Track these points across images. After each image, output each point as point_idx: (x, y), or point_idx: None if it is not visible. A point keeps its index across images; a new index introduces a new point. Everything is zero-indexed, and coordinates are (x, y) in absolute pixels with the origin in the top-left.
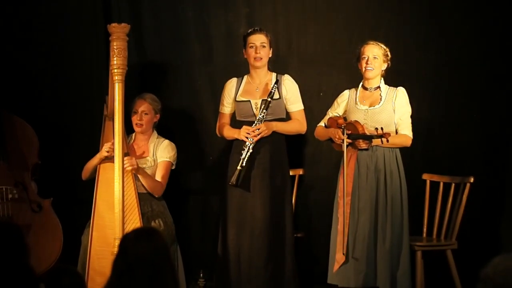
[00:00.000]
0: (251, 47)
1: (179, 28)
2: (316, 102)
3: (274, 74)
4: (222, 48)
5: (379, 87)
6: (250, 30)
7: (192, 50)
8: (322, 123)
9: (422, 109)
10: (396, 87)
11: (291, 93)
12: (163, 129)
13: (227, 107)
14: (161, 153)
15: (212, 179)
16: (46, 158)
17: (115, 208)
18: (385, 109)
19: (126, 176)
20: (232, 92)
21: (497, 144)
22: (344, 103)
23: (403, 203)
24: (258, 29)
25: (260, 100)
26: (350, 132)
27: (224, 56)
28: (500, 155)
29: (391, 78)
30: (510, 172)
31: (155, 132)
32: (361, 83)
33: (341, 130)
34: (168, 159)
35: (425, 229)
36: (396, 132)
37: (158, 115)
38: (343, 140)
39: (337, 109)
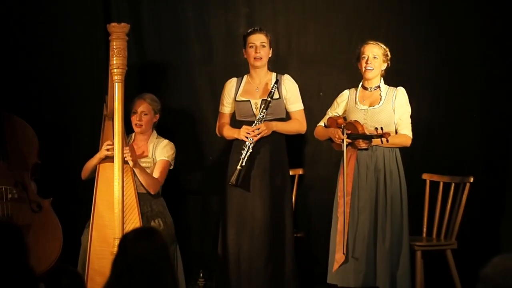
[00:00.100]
0: (251, 47)
1: (179, 28)
2: (316, 102)
3: (274, 74)
4: (222, 48)
5: (379, 87)
6: (250, 30)
7: (192, 50)
8: (321, 123)
9: (422, 109)
10: (396, 87)
11: (291, 93)
12: (163, 129)
13: (227, 107)
14: (160, 152)
15: (212, 179)
16: (46, 158)
17: (114, 208)
18: (385, 109)
19: (125, 175)
20: (232, 92)
21: (497, 144)
22: (344, 103)
23: (402, 203)
24: (258, 29)
25: (260, 100)
26: (349, 132)
27: (224, 56)
28: (500, 155)
29: (391, 78)
30: (510, 172)
31: (154, 132)
32: (361, 83)
33: (341, 129)
34: (166, 158)
35: (425, 229)
36: (396, 132)
37: (157, 115)
38: (342, 140)
39: (336, 109)
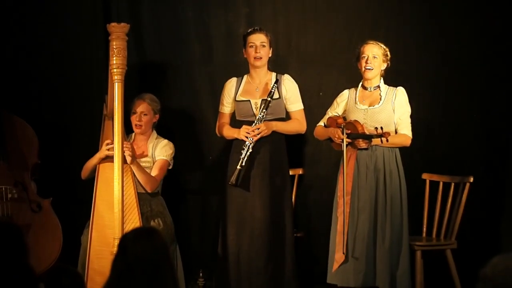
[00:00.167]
0: (251, 46)
1: (179, 28)
2: (316, 102)
3: (274, 74)
4: (222, 48)
5: (378, 86)
6: (250, 29)
7: (192, 50)
8: (321, 123)
9: (421, 108)
10: (396, 87)
11: (291, 92)
12: (162, 129)
13: (227, 107)
14: (159, 152)
15: (212, 179)
16: (45, 158)
17: (114, 207)
18: (384, 109)
19: (125, 175)
20: (232, 91)
21: (497, 144)
22: (343, 102)
23: (402, 203)
24: (258, 29)
25: (260, 99)
26: (349, 131)
27: (224, 56)
28: (499, 155)
29: (391, 78)
30: (510, 172)
31: (154, 132)
32: (360, 83)
33: (341, 129)
34: (165, 158)
35: (424, 229)
36: (396, 132)
37: (157, 115)
38: (342, 139)
39: (336, 108)
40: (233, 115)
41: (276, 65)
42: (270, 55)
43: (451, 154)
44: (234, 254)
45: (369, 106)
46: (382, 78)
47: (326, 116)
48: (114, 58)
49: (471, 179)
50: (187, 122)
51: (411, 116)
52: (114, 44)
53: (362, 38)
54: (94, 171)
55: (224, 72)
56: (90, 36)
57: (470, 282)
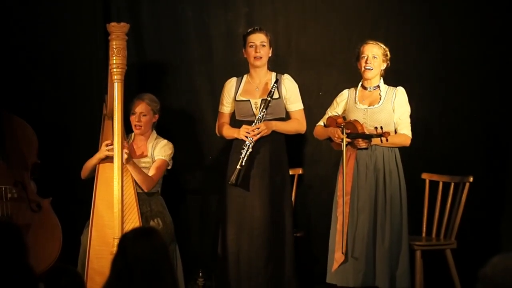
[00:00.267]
0: (251, 46)
1: (178, 28)
2: (316, 102)
3: (273, 74)
4: (221, 47)
5: (378, 86)
6: (250, 29)
7: (192, 50)
8: (321, 122)
9: (421, 108)
10: (396, 86)
11: (290, 92)
12: (162, 129)
13: (226, 107)
14: (158, 152)
15: (212, 178)
16: (45, 158)
17: (114, 207)
18: (384, 109)
19: (125, 175)
20: (231, 91)
21: (497, 144)
22: (343, 102)
23: (402, 203)
24: (258, 29)
25: (260, 99)
26: (349, 131)
27: (223, 56)
28: (499, 155)
29: (391, 77)
30: (510, 172)
31: (154, 132)
32: (360, 83)
33: (340, 129)
34: (164, 158)
35: (424, 229)
36: (395, 132)
37: (157, 115)
38: (342, 139)
39: (336, 108)
40: (233, 115)
41: (276, 65)
42: (270, 55)
43: (450, 154)
44: (233, 254)
45: (369, 106)
46: (382, 78)
47: (326, 116)
48: (114, 58)
49: (471, 179)
50: (187, 122)
51: (410, 116)
52: (114, 43)
53: (362, 38)
54: (93, 171)
55: (223, 72)
56: (90, 36)
57: (470, 282)
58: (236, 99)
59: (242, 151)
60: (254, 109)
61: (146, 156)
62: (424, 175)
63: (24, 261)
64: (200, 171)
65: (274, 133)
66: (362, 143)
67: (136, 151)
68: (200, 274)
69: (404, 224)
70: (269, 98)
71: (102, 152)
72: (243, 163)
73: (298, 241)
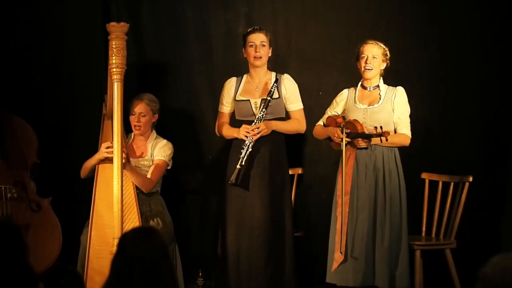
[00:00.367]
0: (251, 46)
1: (178, 28)
2: (315, 102)
3: (273, 74)
4: (221, 47)
5: (378, 86)
6: (250, 29)
7: (192, 50)
8: (320, 122)
9: (421, 108)
10: (395, 86)
11: (290, 92)
12: (162, 129)
13: (226, 107)
14: (157, 152)
15: (211, 178)
16: (45, 158)
17: (114, 207)
18: (384, 108)
19: (125, 175)
20: (231, 91)
21: (497, 144)
22: (343, 102)
23: (401, 202)
24: (258, 28)
25: (260, 99)
26: (349, 131)
27: (223, 56)
28: (499, 154)
29: (391, 77)
30: (509, 171)
31: (154, 132)
32: (360, 82)
33: (340, 129)
34: (163, 158)
35: (424, 228)
36: (395, 132)
37: (156, 116)
38: (342, 139)
39: (335, 108)
40: (232, 115)
41: (276, 65)
42: (270, 55)
43: (450, 154)
44: (233, 254)
45: (369, 106)
46: (381, 77)
47: (326, 116)
48: (114, 58)
49: (471, 179)
50: (187, 122)
51: (410, 116)
52: (114, 43)
53: (362, 38)
54: (93, 170)
55: (223, 71)
56: (90, 36)
57: (470, 282)
58: (236, 99)
59: (242, 150)
60: (254, 109)
61: (145, 156)
62: (424, 175)
63: (24, 261)
64: (200, 171)
65: (274, 133)
66: (361, 143)
67: (136, 151)
68: (200, 274)
69: (404, 224)
70: (269, 98)
71: (101, 153)
72: (243, 163)
73: (298, 241)
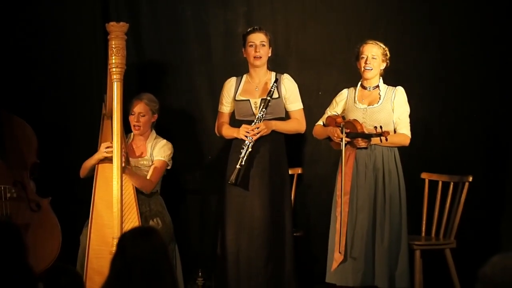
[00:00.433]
0: (251, 46)
1: (178, 27)
2: (315, 101)
3: (273, 73)
4: (221, 47)
5: (378, 86)
6: (249, 29)
7: (191, 50)
8: (320, 122)
9: (421, 108)
10: (395, 86)
11: (290, 92)
12: (161, 129)
13: (226, 106)
14: (157, 152)
15: (211, 178)
16: (45, 157)
17: (113, 207)
18: (383, 108)
19: (124, 177)
20: (231, 91)
21: (496, 144)
22: (342, 102)
23: (401, 202)
24: (258, 28)
25: (259, 99)
26: (348, 130)
27: (223, 56)
28: (499, 154)
29: (391, 77)
30: (509, 171)
31: (153, 132)
32: (359, 82)
33: (340, 128)
34: (163, 158)
35: (423, 228)
36: (395, 131)
37: (155, 115)
38: (341, 138)
39: (335, 108)
40: (232, 115)
41: (276, 65)
42: (269, 55)
43: (450, 154)
44: (233, 254)
45: (368, 106)
46: (381, 77)
47: (325, 116)
48: (113, 58)
49: (470, 179)
50: (186, 122)
51: (410, 116)
52: (113, 43)
53: (361, 37)
54: (92, 170)
55: (223, 71)
56: (90, 36)
57: (469, 282)
58: (236, 98)
59: (241, 150)
60: (253, 109)
61: (145, 156)
62: (424, 175)
63: (23, 260)
64: (200, 171)
65: (273, 132)
66: (361, 143)
67: (135, 151)
68: (200, 274)
69: (404, 224)
70: (268, 98)
71: (101, 153)
72: (243, 163)
73: (297, 241)
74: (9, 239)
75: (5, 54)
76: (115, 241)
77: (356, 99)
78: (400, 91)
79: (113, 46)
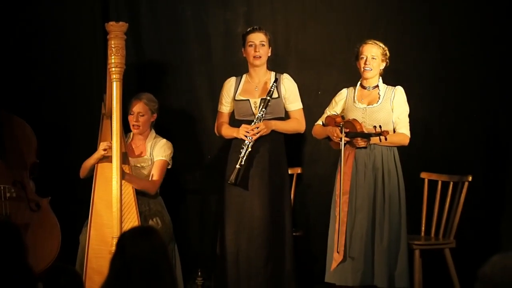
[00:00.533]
0: (251, 45)
1: (177, 27)
2: (315, 101)
3: (273, 73)
4: (220, 47)
5: (377, 86)
6: (249, 28)
7: (191, 50)
8: (319, 122)
9: (421, 108)
10: (395, 86)
11: (290, 92)
12: (161, 128)
13: (226, 106)
14: (157, 152)
15: (211, 178)
16: (44, 157)
17: (113, 207)
18: (383, 108)
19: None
20: (231, 91)
21: (496, 144)
22: (342, 101)
23: (401, 202)
24: (258, 28)
25: (259, 99)
26: (348, 130)
27: (222, 55)
28: (498, 154)
29: (390, 77)
30: (509, 171)
31: (153, 131)
32: (359, 82)
33: (339, 128)
34: (164, 158)
35: (423, 228)
36: (394, 131)
37: (155, 115)
38: (341, 138)
39: (335, 107)
40: (232, 115)
41: (275, 64)
42: (269, 55)
43: (450, 153)
44: (233, 254)
45: (368, 105)
46: (380, 77)
47: (325, 115)
48: (113, 57)
49: (470, 178)
50: (186, 122)
51: (409, 116)
52: (113, 43)
53: (361, 37)
54: (92, 170)
55: (223, 71)
56: (90, 35)
57: (469, 281)
58: (236, 98)
59: (241, 150)
60: (253, 109)
61: (144, 155)
62: (423, 174)
63: (23, 260)
64: (200, 171)
65: (273, 132)
66: (360, 142)
67: (135, 150)
68: (199, 273)
69: (403, 224)
70: (268, 98)
71: (100, 152)
72: (243, 163)
73: (297, 241)
74: (8, 239)
75: (5, 54)
76: (115, 241)
77: (355, 98)
78: (399, 90)
79: (113, 45)
